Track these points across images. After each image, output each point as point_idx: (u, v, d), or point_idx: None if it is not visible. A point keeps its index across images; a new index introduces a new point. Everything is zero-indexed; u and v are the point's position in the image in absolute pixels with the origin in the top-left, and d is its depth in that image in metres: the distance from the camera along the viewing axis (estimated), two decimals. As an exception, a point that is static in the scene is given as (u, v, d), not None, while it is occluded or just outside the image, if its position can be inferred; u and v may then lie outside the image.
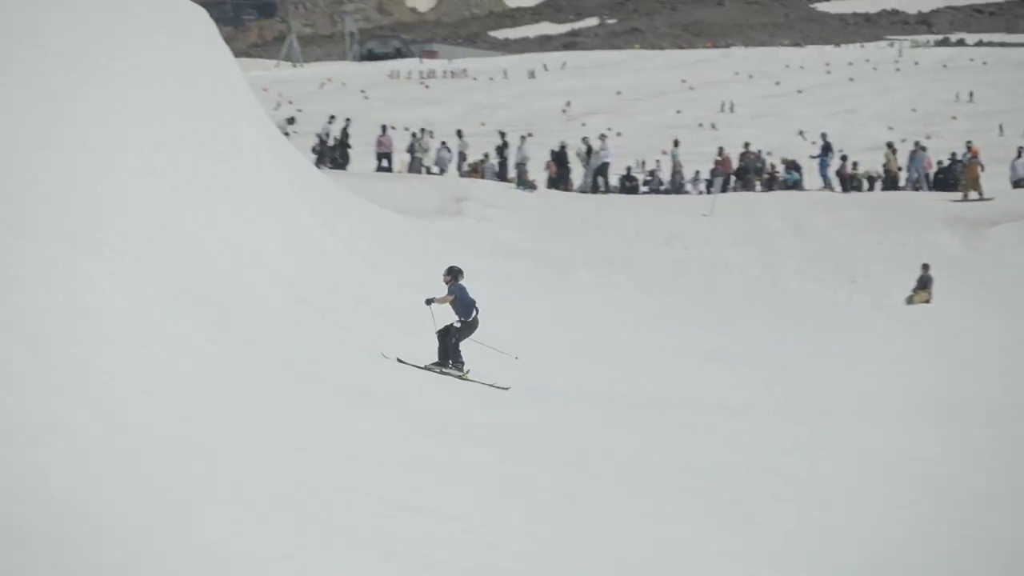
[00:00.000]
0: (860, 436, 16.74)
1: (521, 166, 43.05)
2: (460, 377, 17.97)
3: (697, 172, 47.63)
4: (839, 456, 15.52)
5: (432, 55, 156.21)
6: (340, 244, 25.17)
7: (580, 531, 10.92)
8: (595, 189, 43.66)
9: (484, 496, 11.52)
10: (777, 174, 45.76)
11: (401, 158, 46.84)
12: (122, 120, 18.06)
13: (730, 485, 13.68)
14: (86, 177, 15.45)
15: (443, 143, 47.42)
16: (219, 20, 35.42)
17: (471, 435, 14.47)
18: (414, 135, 47.04)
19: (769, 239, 35.11)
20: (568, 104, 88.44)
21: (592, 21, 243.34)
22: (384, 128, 46.95)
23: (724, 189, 43.23)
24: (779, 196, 40.99)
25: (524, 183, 42.39)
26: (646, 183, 48.31)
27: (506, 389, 17.90)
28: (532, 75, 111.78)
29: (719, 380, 20.88)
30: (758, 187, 44.23)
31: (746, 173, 44.50)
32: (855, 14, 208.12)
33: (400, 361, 17.92)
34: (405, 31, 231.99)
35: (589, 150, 43.38)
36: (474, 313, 18.43)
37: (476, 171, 46.82)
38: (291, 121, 48.94)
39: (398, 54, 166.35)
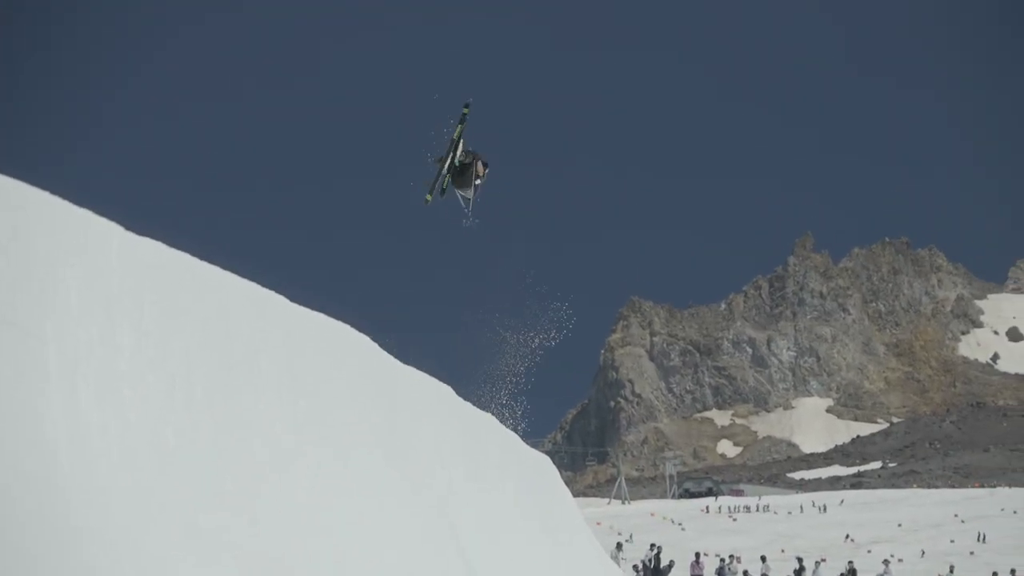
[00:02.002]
0: None
1: (815, 587, 42.20)
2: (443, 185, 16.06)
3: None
4: None
5: (739, 493, 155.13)
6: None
7: None
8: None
9: None
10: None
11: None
12: (494, 553, 18.56)
13: None
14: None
15: (745, 572, 46.79)
16: (561, 466, 36.52)
17: None
18: (722, 560, 46.58)
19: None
20: (854, 534, 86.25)
21: (875, 464, 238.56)
22: (697, 555, 46.66)
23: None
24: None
25: (818, 601, 41.41)
26: (925, 603, 46.51)
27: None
28: (824, 509, 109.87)
29: None
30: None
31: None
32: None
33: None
34: (716, 473, 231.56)
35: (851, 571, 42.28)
36: None
37: (777, 591, 45.96)
38: (619, 547, 49.12)
39: (710, 492, 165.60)
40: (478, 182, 16.55)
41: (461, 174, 16.36)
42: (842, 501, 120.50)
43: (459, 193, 16.34)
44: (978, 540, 78.88)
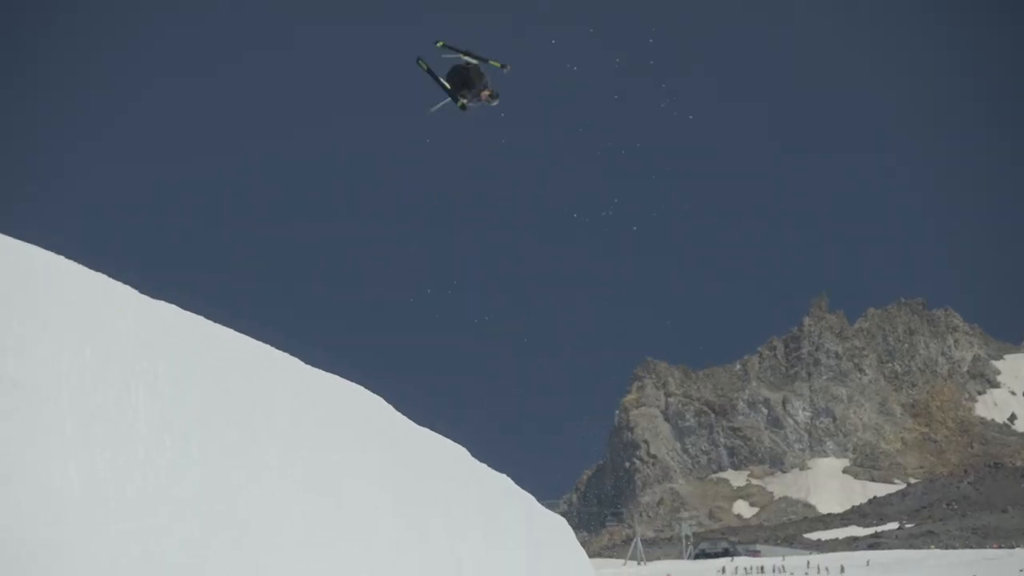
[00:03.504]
0: None
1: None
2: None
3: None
4: None
5: (755, 554, 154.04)
6: None
7: None
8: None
9: None
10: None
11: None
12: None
13: None
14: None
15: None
16: (576, 526, 36.37)
17: None
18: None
19: None
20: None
21: (893, 525, 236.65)
22: (714, 616, 46.39)
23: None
24: None
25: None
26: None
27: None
28: (842, 570, 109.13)
29: None
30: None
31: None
32: None
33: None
34: (732, 534, 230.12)
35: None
36: None
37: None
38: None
39: (726, 553, 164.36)
40: (480, 98, 16.21)
41: (464, 78, 16.07)
42: (868, 562, 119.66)
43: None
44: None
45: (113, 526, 8.26)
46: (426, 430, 19.55)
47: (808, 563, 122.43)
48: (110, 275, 9.15)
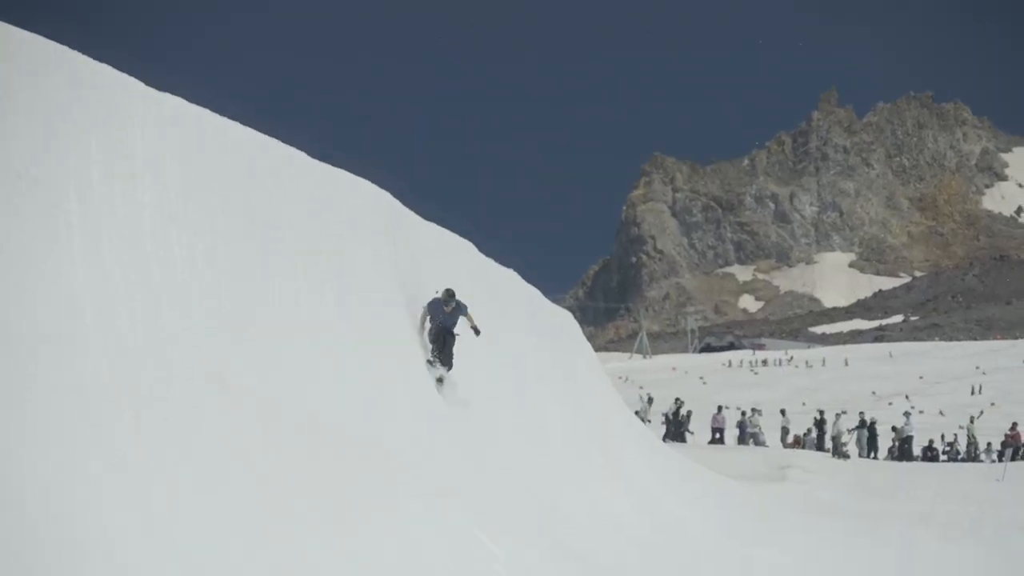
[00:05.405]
0: None
1: (836, 439, 42.51)
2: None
3: (989, 444, 46.11)
4: None
5: (760, 347, 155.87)
6: (683, 504, 25.21)
7: None
8: (900, 458, 42.80)
9: None
10: (1061, 445, 43.88)
11: (731, 432, 46.78)
12: (517, 405, 18.79)
13: None
14: (476, 446, 16.12)
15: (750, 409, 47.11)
16: (582, 321, 36.83)
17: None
18: (743, 413, 47.05)
19: (1056, 501, 33.44)
20: (876, 387, 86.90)
21: (898, 318, 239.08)
22: (719, 408, 47.22)
23: (1014, 458, 41.71)
24: (1064, 464, 39.10)
25: (839, 453, 41.77)
26: (945, 452, 46.89)
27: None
28: (846, 363, 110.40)
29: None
30: (1045, 456, 42.42)
31: (1034, 445, 42.89)
32: None
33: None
34: (738, 328, 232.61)
35: (862, 423, 42.50)
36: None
37: (798, 443, 46.45)
38: (650, 401, 49.70)
39: (731, 347, 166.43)
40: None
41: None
42: (874, 354, 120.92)
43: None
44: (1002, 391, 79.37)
45: (122, 314, 8.32)
46: (433, 225, 19.60)
47: (822, 359, 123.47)
48: (116, 66, 9.00)
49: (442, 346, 15.55)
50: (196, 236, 9.60)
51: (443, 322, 15.59)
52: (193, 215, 9.65)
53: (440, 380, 15.49)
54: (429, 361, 15.38)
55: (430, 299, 15.92)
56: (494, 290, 22.30)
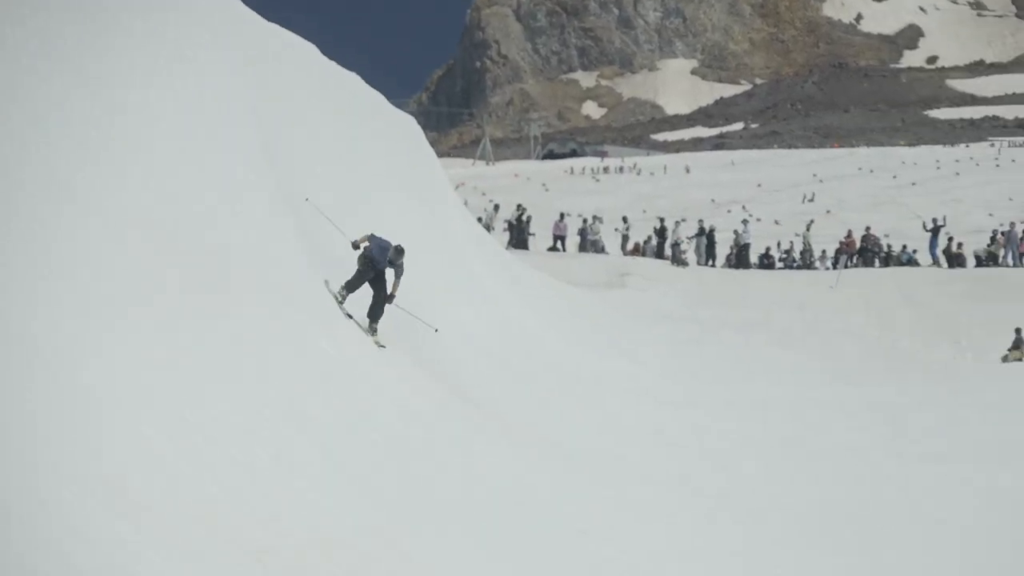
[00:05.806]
0: (980, 476, 16.42)
1: (676, 246, 43.10)
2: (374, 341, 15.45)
3: (824, 251, 47.42)
4: (970, 493, 15.36)
5: (603, 154, 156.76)
6: (529, 312, 25.40)
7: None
8: (738, 265, 43.77)
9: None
10: (893, 253, 45.26)
11: (573, 240, 47.15)
12: (366, 213, 18.47)
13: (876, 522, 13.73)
14: (327, 256, 15.87)
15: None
16: (425, 126, 36.36)
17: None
18: (585, 220, 47.41)
19: (885, 308, 34.68)
20: (716, 195, 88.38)
21: (738, 125, 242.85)
22: (562, 215, 47.47)
23: (848, 265, 43.05)
24: (894, 272, 40.43)
25: (678, 260, 42.45)
26: (781, 260, 48.04)
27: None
28: (687, 170, 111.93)
29: (844, 426, 20.69)
30: (877, 264, 43.73)
31: (867, 252, 44.13)
32: (962, 120, 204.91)
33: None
34: (580, 135, 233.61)
35: (701, 231, 43.20)
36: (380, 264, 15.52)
37: (638, 251, 47.11)
38: (496, 208, 49.75)
39: (574, 154, 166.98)
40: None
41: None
42: (713, 161, 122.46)
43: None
44: (844, 199, 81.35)
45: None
46: (275, 26, 18.92)
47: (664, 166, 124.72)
48: None
49: (372, 290, 15.49)
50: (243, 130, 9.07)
51: (378, 263, 15.39)
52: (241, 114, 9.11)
53: (372, 333, 15.36)
54: (340, 292, 15.33)
55: (381, 236, 15.62)
56: (338, 93, 21.80)
